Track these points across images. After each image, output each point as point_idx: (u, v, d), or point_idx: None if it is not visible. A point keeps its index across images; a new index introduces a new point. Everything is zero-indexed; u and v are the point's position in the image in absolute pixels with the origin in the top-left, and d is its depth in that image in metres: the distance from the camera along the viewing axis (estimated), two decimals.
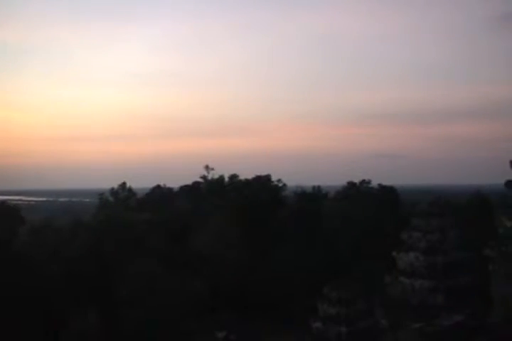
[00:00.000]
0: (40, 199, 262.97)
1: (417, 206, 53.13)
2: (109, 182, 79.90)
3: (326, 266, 49.03)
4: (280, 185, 72.30)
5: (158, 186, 79.04)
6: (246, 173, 79.27)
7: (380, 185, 70.58)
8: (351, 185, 72.02)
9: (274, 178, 72.00)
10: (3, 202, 68.11)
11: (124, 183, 75.24)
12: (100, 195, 74.86)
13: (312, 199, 66.67)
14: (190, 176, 79.02)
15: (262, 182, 70.25)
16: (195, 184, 75.63)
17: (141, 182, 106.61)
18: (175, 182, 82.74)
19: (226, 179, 72.60)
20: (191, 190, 75.15)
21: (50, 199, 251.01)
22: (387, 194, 66.71)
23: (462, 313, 17.80)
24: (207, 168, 72.76)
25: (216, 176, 72.90)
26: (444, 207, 35.53)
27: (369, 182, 71.97)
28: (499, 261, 17.19)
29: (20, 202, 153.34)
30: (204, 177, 73.18)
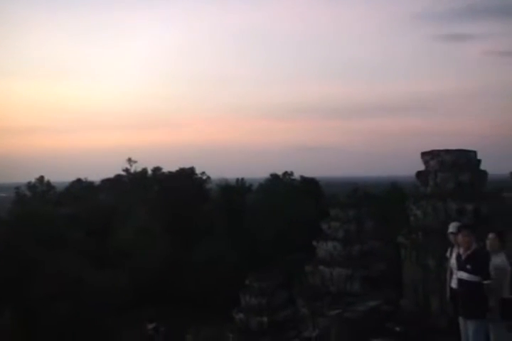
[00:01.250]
0: None
1: (336, 197, 54.85)
2: (26, 176, 76.88)
3: (249, 258, 49.66)
4: (204, 177, 72.34)
5: (79, 180, 76.90)
6: (170, 166, 78.41)
7: (302, 177, 72.07)
8: (274, 177, 73.10)
9: (198, 171, 71.98)
10: None
11: (41, 177, 72.56)
12: (16, 188, 71.85)
13: (236, 191, 67.16)
14: (113, 169, 77.44)
15: (186, 175, 69.98)
16: (118, 177, 74.15)
17: (61, 176, 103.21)
18: (96, 176, 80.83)
19: (149, 172, 71.64)
20: (113, 184, 73.65)
21: None
22: (309, 185, 68.28)
23: (377, 299, 18.64)
24: (129, 160, 71.42)
25: (139, 169, 71.72)
26: (362, 198, 37.05)
27: (291, 174, 73.35)
28: (410, 248, 18.14)
29: None
30: (126, 170, 71.83)
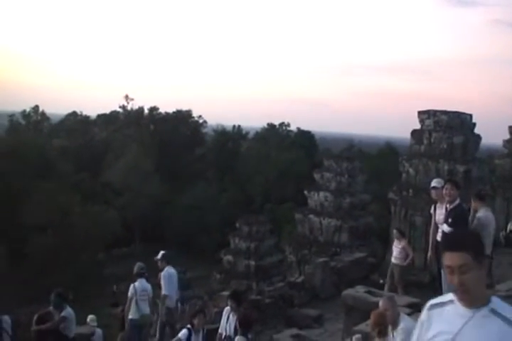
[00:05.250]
0: None
1: (330, 151, 55.22)
2: (21, 105, 76.19)
3: (240, 204, 50.24)
4: (201, 121, 71.95)
5: (74, 112, 76.16)
6: (167, 107, 77.55)
7: (298, 128, 71.94)
8: (271, 126, 72.87)
9: (195, 114, 71.44)
10: None
11: (36, 106, 71.70)
12: (10, 116, 71.09)
13: (231, 137, 67.10)
14: (109, 105, 76.74)
15: (183, 117, 69.51)
16: (113, 113, 73.42)
17: (56, 108, 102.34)
18: (92, 111, 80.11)
19: (146, 111, 70.95)
20: (108, 119, 73.07)
21: None
22: (305, 138, 68.30)
23: (363, 251, 19.14)
24: (126, 97, 70.35)
25: (136, 107, 70.89)
26: (356, 153, 37.34)
27: (288, 125, 73.07)
28: (400, 204, 18.47)
29: None
30: (123, 107, 70.92)
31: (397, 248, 14.14)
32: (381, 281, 15.40)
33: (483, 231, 8.56)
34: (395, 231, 14.51)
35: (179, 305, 11.69)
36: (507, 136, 26.66)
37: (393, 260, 14.37)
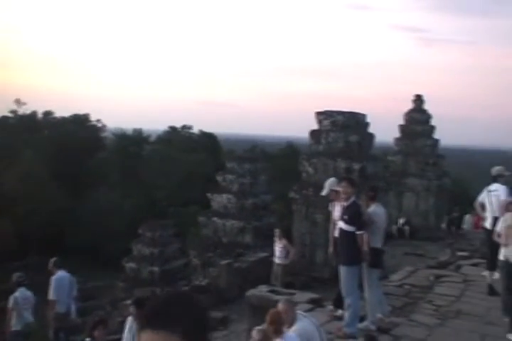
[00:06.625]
0: None
1: (234, 152, 55.70)
2: None
3: (144, 209, 49.31)
4: (99, 125, 69.92)
5: None
6: (63, 112, 74.54)
7: (200, 131, 71.92)
8: (172, 129, 72.30)
9: (93, 118, 69.34)
10: None
11: None
12: None
13: (133, 141, 65.78)
14: None
15: (80, 121, 67.18)
16: (3, 118, 69.37)
17: None
18: None
19: (40, 115, 67.66)
20: None
21: None
22: (208, 140, 68.40)
23: (266, 251, 19.44)
24: (18, 102, 66.72)
25: (28, 111, 67.33)
26: (258, 154, 37.93)
27: (190, 127, 72.85)
28: (300, 203, 18.98)
29: None
30: (14, 111, 67.17)
31: (278, 247, 14.54)
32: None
33: (372, 226, 9.02)
34: (276, 230, 14.87)
35: (73, 309, 11.48)
36: (398, 134, 28.31)
37: (276, 260, 14.81)
